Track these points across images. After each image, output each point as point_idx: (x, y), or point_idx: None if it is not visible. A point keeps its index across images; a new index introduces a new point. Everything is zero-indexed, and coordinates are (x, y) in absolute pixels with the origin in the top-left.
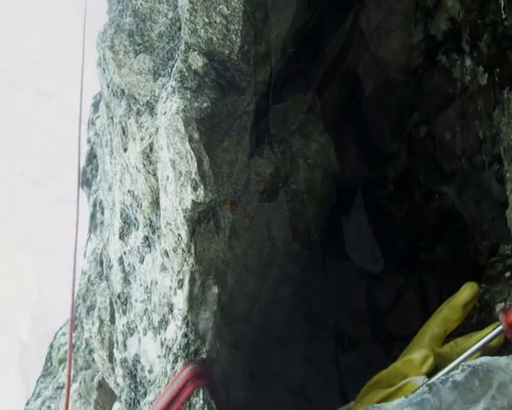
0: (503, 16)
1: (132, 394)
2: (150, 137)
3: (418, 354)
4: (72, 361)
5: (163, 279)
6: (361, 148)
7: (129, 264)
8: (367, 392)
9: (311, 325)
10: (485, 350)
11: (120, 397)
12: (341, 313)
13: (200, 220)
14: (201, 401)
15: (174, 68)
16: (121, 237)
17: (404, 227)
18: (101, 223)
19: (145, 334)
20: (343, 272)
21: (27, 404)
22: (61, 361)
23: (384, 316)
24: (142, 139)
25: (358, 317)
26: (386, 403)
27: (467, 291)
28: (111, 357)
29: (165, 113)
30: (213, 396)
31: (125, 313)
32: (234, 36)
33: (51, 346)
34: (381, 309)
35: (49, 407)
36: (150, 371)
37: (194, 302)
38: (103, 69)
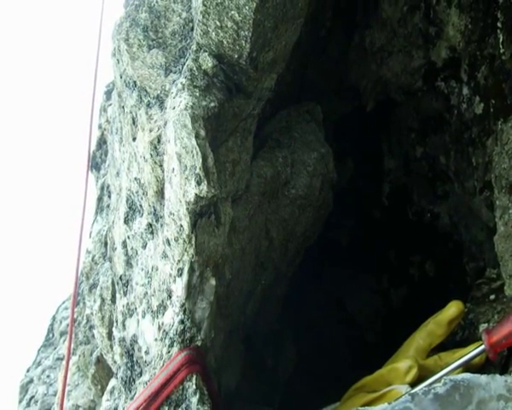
0: (501, 50)
1: (128, 372)
2: (159, 129)
3: (403, 363)
4: (73, 335)
5: (163, 266)
6: (359, 161)
7: (132, 248)
8: (351, 395)
9: (301, 327)
10: (468, 367)
11: (117, 374)
12: (332, 317)
13: (201, 214)
14: (194, 386)
15: (185, 66)
16: (126, 221)
17: (396, 241)
18: (108, 206)
19: (144, 316)
20: (336, 278)
21: (28, 371)
22: (62, 334)
23: (373, 322)
24: (150, 131)
25: (348, 322)
26: (370, 407)
27: (452, 309)
28: (110, 335)
29: (174, 108)
30: (205, 383)
31: (125, 294)
32: (243, 42)
33: (53, 318)
34: (371, 316)
35: (48, 375)
36: (147, 353)
37: (192, 291)
38: (117, 60)
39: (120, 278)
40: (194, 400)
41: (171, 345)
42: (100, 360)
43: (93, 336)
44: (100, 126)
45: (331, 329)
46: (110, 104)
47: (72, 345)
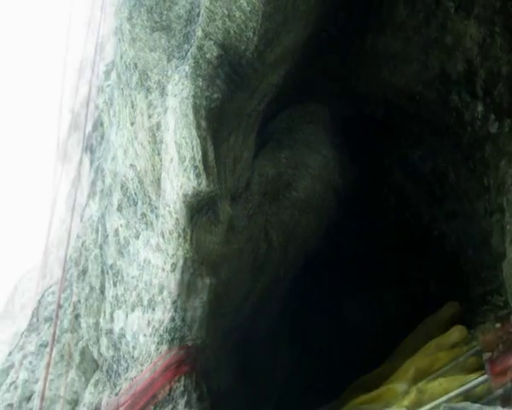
0: None
1: (114, 366)
2: (158, 116)
3: (401, 385)
4: (58, 322)
5: (156, 259)
6: (365, 169)
7: (124, 237)
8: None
9: (298, 330)
10: (469, 396)
11: (102, 367)
12: (330, 324)
13: (199, 209)
14: (182, 388)
15: (189, 53)
16: (119, 209)
17: (401, 258)
18: (101, 191)
19: (133, 310)
20: (337, 286)
21: (9, 355)
22: (46, 319)
23: (372, 333)
24: (150, 117)
25: (345, 328)
26: None
27: (456, 334)
28: (97, 325)
29: (176, 95)
30: (195, 384)
31: (115, 284)
32: (251, 33)
33: (39, 302)
34: (369, 325)
35: (30, 362)
36: (134, 348)
37: (185, 288)
38: (118, 39)
39: (111, 267)
40: (182, 401)
41: (161, 343)
42: (85, 351)
43: (79, 325)
44: (97, 107)
45: (329, 335)
46: (109, 85)
47: (57, 332)
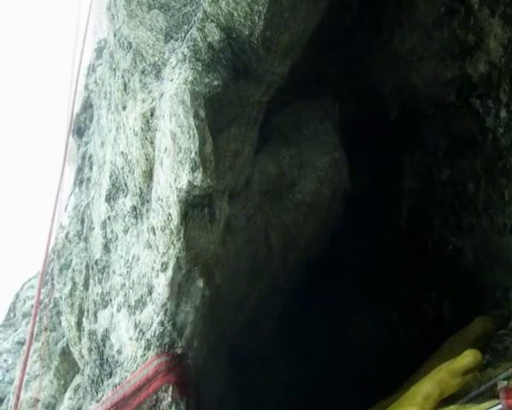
0: None
1: (97, 371)
2: (153, 101)
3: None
4: (37, 318)
5: (146, 257)
6: (376, 174)
7: (112, 231)
8: None
9: (295, 345)
10: None
11: (84, 371)
12: (329, 341)
13: (194, 205)
14: (169, 399)
15: (188, 35)
16: (107, 199)
17: (410, 272)
18: (88, 179)
19: (119, 310)
20: (338, 300)
21: None
22: (24, 315)
23: (375, 353)
24: (143, 101)
25: (346, 348)
26: None
27: (469, 358)
28: (79, 325)
29: (173, 80)
30: (184, 395)
31: (100, 282)
32: (257, 17)
33: (17, 296)
34: (372, 345)
35: (5, 360)
36: (119, 352)
37: (176, 291)
38: (112, 15)
39: (96, 262)
40: None
41: (148, 348)
42: (65, 352)
43: (60, 323)
44: (86, 87)
45: (327, 352)
46: (100, 64)
47: (36, 330)
